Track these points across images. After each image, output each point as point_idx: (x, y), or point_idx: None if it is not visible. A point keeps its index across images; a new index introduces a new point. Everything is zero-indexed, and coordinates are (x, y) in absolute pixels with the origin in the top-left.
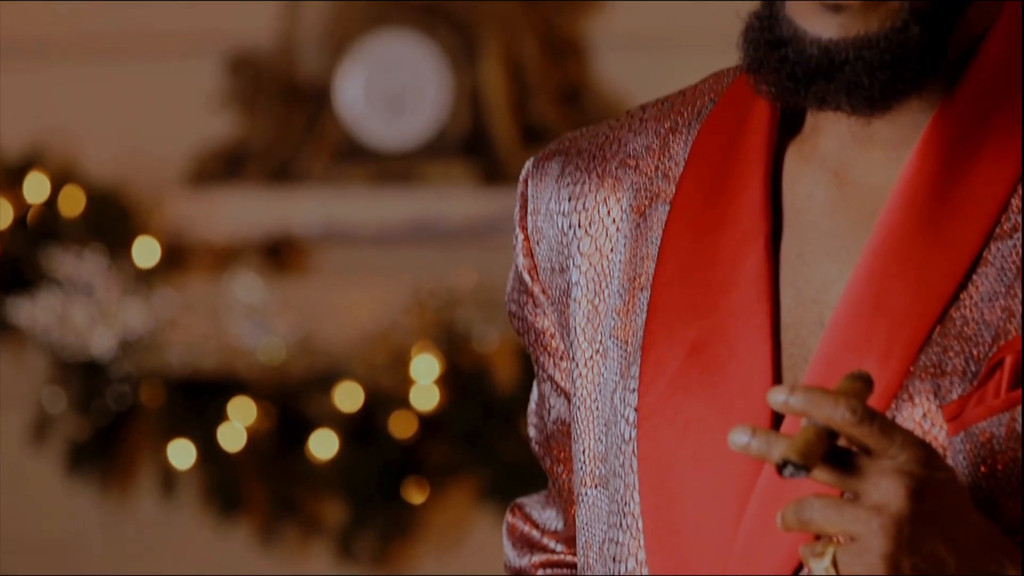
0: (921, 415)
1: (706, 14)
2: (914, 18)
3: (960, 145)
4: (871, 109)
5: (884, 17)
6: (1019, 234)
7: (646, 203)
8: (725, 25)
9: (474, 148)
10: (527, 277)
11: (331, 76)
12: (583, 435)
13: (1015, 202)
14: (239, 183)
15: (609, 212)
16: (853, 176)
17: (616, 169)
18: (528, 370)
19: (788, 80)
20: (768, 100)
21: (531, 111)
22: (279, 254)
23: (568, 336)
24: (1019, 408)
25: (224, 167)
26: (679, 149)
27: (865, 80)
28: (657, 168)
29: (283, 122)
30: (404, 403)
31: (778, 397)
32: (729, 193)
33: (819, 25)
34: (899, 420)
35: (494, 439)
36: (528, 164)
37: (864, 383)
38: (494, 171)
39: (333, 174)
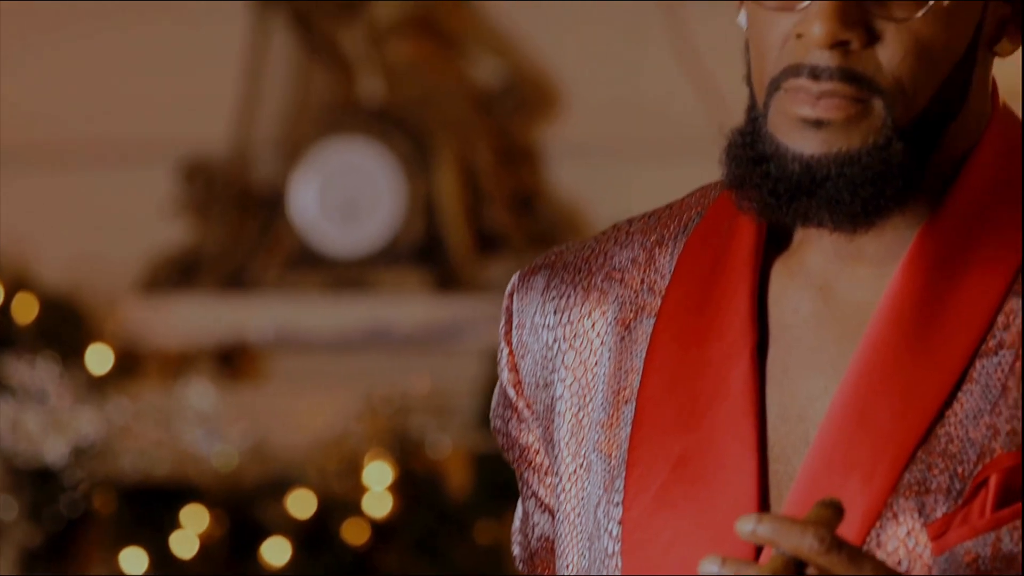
0: (905, 533)
1: (658, 123)
2: (897, 135)
3: (945, 262)
4: (853, 226)
5: (867, 134)
6: (1004, 351)
7: (631, 316)
8: (677, 135)
9: (428, 255)
10: (511, 392)
11: (285, 183)
12: (567, 551)
13: (1000, 319)
14: (192, 290)
15: (594, 325)
16: (838, 292)
17: (601, 282)
18: (482, 476)
19: (770, 196)
20: (750, 216)
21: (485, 218)
22: (232, 361)
23: (552, 451)
24: (1004, 528)
25: (177, 274)
26: (665, 262)
27: (847, 196)
28: (643, 281)
29: (237, 229)
30: (357, 510)
31: (745, 527)
32: (715, 307)
33: (801, 142)
34: (884, 538)
35: (447, 546)
36: (514, 278)
37: (834, 511)
38: (448, 278)
39: (287, 280)
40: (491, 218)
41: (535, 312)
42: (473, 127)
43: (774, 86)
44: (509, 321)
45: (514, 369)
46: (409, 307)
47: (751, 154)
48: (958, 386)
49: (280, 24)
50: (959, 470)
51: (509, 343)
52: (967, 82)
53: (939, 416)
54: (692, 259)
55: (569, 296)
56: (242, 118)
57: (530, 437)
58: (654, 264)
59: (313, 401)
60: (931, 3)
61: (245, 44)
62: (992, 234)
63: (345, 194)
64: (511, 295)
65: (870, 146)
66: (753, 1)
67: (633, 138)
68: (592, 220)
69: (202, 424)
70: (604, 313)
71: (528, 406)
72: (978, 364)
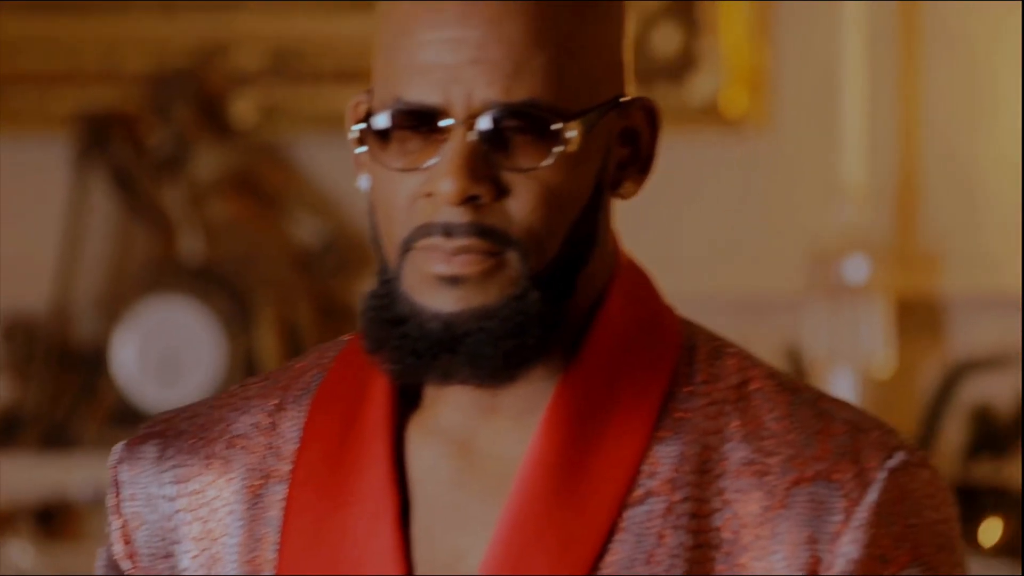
0: None
1: None
2: (532, 284)
3: (586, 413)
4: (497, 380)
5: (503, 286)
6: (653, 499)
7: (259, 483)
8: None
9: None
10: (126, 564)
11: (106, 340)
12: None
13: (646, 468)
14: (12, 448)
15: (219, 494)
16: (478, 446)
17: (223, 450)
18: None
19: (411, 356)
20: (392, 379)
21: None
22: (52, 520)
23: None
24: None
25: None
26: (290, 426)
27: (488, 351)
28: (269, 447)
29: (57, 386)
30: None
31: None
32: (352, 469)
33: (438, 300)
34: None
35: None
36: (118, 448)
37: None
38: None
39: (108, 438)
40: None
41: (150, 483)
42: (294, 286)
43: (407, 247)
44: (118, 492)
45: (128, 541)
46: None
47: (388, 316)
48: (611, 536)
49: (100, 182)
50: None
51: (120, 514)
52: (594, 227)
53: (595, 567)
54: (321, 421)
55: (189, 466)
56: (62, 276)
57: None
58: (278, 429)
59: None
60: (556, 151)
61: (65, 202)
62: (629, 382)
63: (166, 352)
64: (117, 466)
65: (507, 298)
66: (378, 165)
67: None
68: None
69: None
70: (230, 481)
71: None
72: (626, 514)
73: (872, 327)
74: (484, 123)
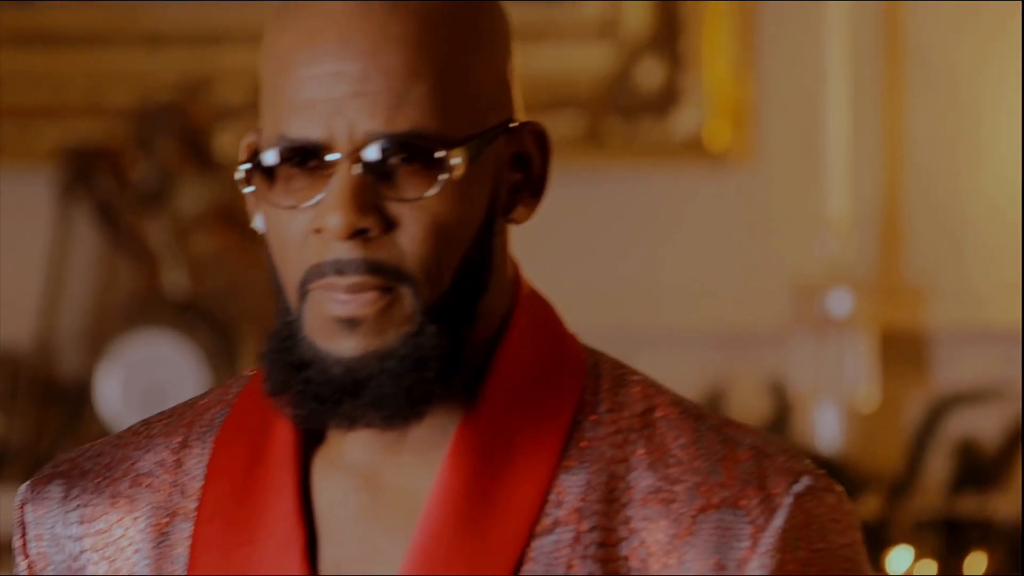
0: None
1: None
2: (428, 318)
3: (492, 444)
4: (402, 420)
5: (399, 325)
6: (561, 528)
7: (165, 521)
8: None
9: None
10: None
11: (90, 375)
12: None
13: (552, 497)
14: None
15: (125, 533)
16: (384, 481)
17: (128, 488)
18: None
19: (314, 402)
20: (295, 423)
21: None
22: None
23: None
24: None
25: None
26: (195, 463)
27: (391, 391)
28: (174, 484)
29: (41, 420)
30: None
31: None
32: (259, 506)
33: (339, 344)
34: None
35: None
36: (23, 489)
37: None
38: None
39: None
40: None
41: (55, 523)
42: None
43: (304, 289)
44: (24, 533)
45: None
46: None
47: (290, 360)
48: (519, 567)
49: (84, 215)
50: None
51: (27, 555)
52: (489, 254)
53: None
54: (225, 458)
55: (95, 505)
56: (46, 309)
57: None
58: (183, 467)
59: None
60: (441, 179)
61: (49, 235)
62: (534, 412)
63: (150, 386)
64: (22, 506)
65: (404, 336)
66: (267, 204)
67: None
68: None
69: None
70: (136, 520)
71: None
72: (535, 544)
73: (856, 361)
74: (368, 155)
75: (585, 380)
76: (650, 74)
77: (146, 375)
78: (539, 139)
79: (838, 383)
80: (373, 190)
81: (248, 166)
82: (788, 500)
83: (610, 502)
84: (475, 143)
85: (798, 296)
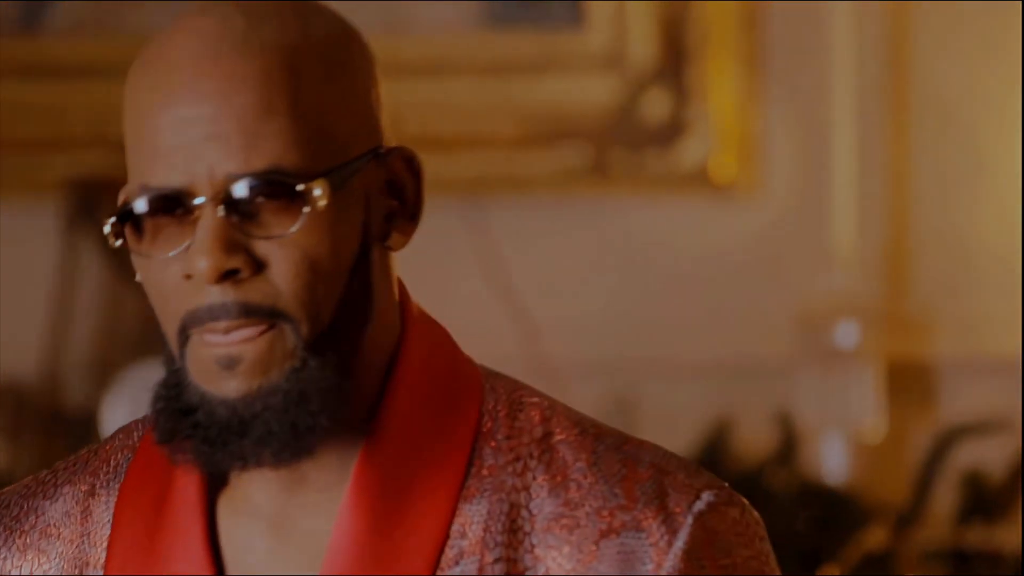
0: None
1: (470, 348)
2: (310, 353)
3: (392, 477)
4: (292, 457)
5: (281, 361)
6: (467, 559)
7: (76, 571)
8: (488, 359)
9: None
10: None
11: (96, 405)
12: None
13: (455, 528)
14: None
15: None
16: (289, 522)
17: (38, 540)
18: None
19: (203, 444)
20: (187, 468)
21: None
22: None
23: None
24: None
25: None
26: (102, 511)
27: (276, 427)
28: (83, 534)
29: (48, 451)
30: None
31: None
32: (167, 554)
33: (222, 385)
34: None
35: None
36: None
37: None
38: None
39: None
40: None
41: None
42: None
43: (184, 336)
44: None
45: None
46: None
47: (178, 406)
48: None
49: (90, 247)
50: None
51: None
52: (368, 282)
53: None
54: (132, 506)
55: (5, 558)
56: (53, 341)
57: None
58: (91, 515)
59: None
60: (305, 212)
61: (55, 267)
62: (433, 442)
63: None
64: None
65: (287, 371)
66: (139, 255)
67: None
68: None
69: None
70: (47, 572)
71: None
72: None
73: (863, 392)
74: (230, 196)
75: (482, 405)
76: (656, 106)
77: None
78: (410, 164)
79: (845, 414)
80: (239, 230)
81: (114, 220)
82: (689, 519)
83: (513, 532)
84: (337, 173)
85: (804, 328)
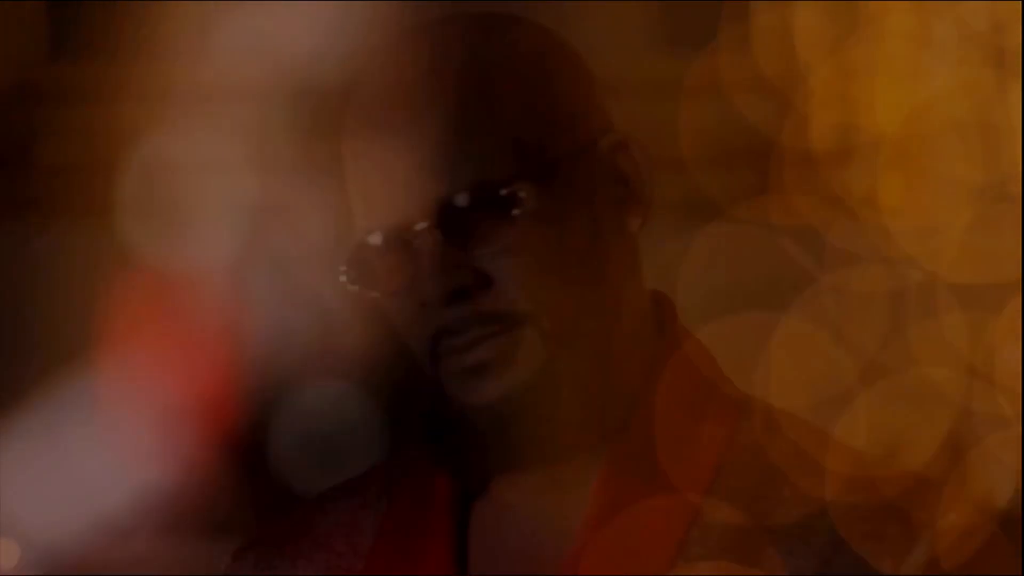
0: None
1: None
2: (557, 347)
3: (638, 476)
4: (554, 453)
5: (529, 359)
6: (700, 563)
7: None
8: None
9: None
10: None
11: (265, 429)
12: None
13: (695, 534)
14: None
15: None
16: (538, 523)
17: (308, 549)
18: None
19: (465, 452)
20: (457, 480)
21: None
22: None
23: None
24: None
25: None
26: (368, 524)
27: (532, 427)
28: (348, 543)
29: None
30: None
31: None
32: (418, 556)
33: (477, 392)
34: None
35: None
36: (227, 559)
37: None
38: None
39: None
40: None
41: None
42: None
43: (433, 356)
44: None
45: None
46: None
47: (437, 417)
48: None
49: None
50: None
51: None
52: (604, 271)
53: None
54: (393, 517)
55: (276, 567)
56: None
57: None
58: (358, 527)
59: None
60: (516, 215)
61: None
62: (680, 456)
63: (324, 439)
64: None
65: (537, 369)
66: (373, 293)
67: None
68: None
69: None
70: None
71: None
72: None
73: None
74: (443, 219)
75: (738, 421)
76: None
77: (320, 427)
78: (629, 148)
79: None
80: (461, 249)
81: (344, 267)
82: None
83: (747, 532)
84: (543, 169)
85: None
